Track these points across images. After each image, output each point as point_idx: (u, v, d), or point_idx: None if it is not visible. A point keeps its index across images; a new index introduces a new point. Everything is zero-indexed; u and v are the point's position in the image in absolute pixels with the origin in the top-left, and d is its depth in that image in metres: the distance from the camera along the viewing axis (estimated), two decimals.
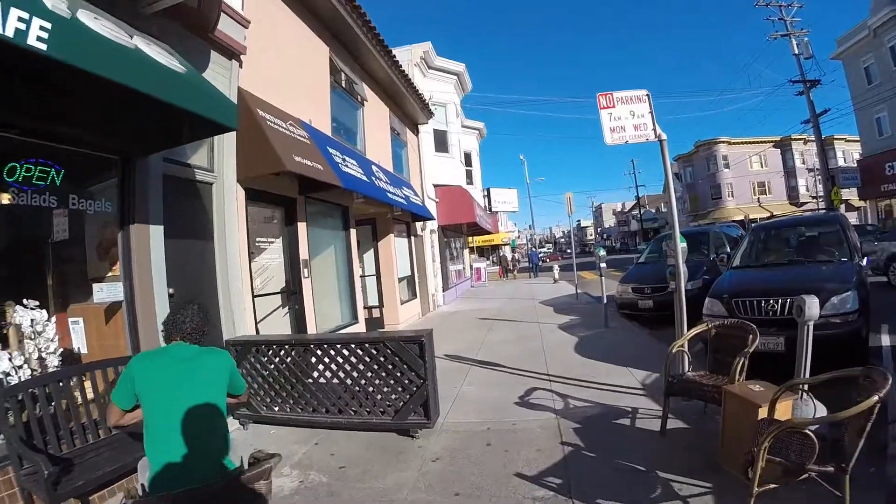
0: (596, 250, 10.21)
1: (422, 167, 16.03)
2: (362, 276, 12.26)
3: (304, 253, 7.87)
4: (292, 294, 7.69)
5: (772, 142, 56.97)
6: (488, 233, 28.28)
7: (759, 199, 56.28)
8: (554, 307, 14.00)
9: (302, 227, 7.93)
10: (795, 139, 54.91)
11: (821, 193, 55.70)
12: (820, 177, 55.76)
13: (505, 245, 62.21)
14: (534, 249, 40.80)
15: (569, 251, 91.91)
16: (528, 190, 33.77)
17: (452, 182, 18.21)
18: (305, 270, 7.86)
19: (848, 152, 54.04)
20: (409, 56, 16.52)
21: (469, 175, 24.73)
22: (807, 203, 55.50)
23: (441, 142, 18.40)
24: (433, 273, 16.50)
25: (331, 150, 8.23)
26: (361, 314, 9.82)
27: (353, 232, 9.90)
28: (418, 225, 15.06)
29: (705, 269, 10.96)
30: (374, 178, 10.02)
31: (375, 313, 12.16)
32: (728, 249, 13.04)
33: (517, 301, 16.69)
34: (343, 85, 10.34)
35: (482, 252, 54.79)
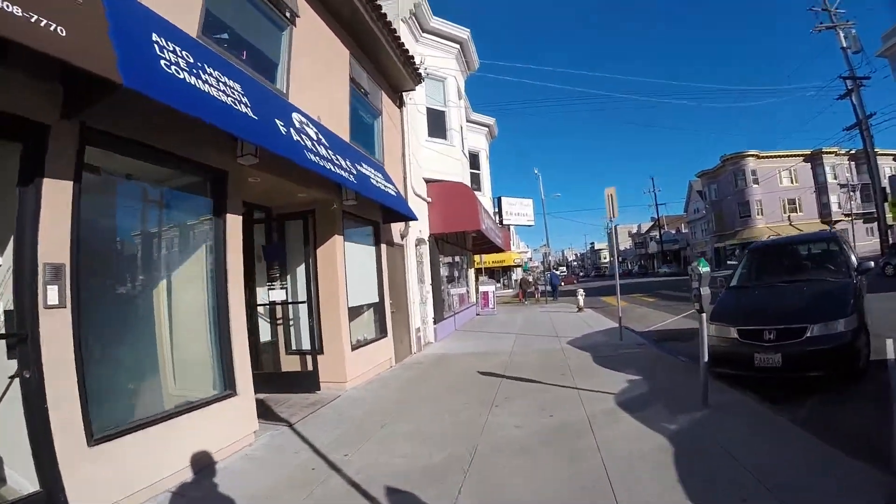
0: (695, 265, 5.53)
1: (406, 151, 11.54)
2: (271, 305, 7.76)
3: (51, 250, 3.35)
4: (18, 343, 3.18)
5: (802, 155, 53.12)
6: (499, 250, 23.66)
7: (789, 216, 52.18)
8: (592, 353, 9.30)
9: (58, 189, 3.44)
10: (826, 153, 51.11)
11: (857, 210, 51.40)
12: (853, 193, 51.78)
13: (517, 266, 57.65)
14: (554, 270, 35.99)
15: (582, 273, 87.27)
16: (543, 206, 29.16)
17: (451, 177, 13.69)
18: (54, 290, 3.33)
19: (881, 167, 49.59)
20: (394, 10, 12.18)
21: (476, 179, 20.40)
22: (839, 221, 51.12)
23: (437, 125, 13.95)
24: (420, 299, 11.90)
25: (159, 40, 3.80)
26: (246, 377, 5.20)
27: (233, 221, 5.34)
28: (395, 229, 10.50)
29: (853, 298, 6.46)
30: (290, 129, 5.57)
31: (308, 362, 7.56)
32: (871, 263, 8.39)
33: (535, 339, 11.99)
34: None
35: (492, 274, 50.15)
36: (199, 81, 4.06)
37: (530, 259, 70.59)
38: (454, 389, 7.19)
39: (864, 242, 48.89)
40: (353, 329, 8.28)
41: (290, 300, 7.76)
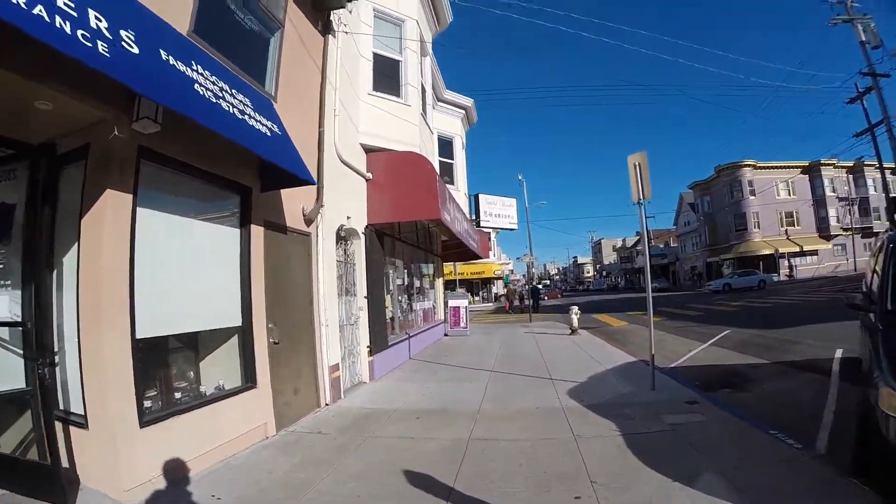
0: None
1: (330, 96, 7.61)
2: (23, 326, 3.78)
3: None
4: None
5: (800, 167, 50.39)
6: (476, 257, 19.63)
7: (786, 230, 49.17)
8: (619, 425, 5.32)
9: None
10: (825, 164, 48.58)
11: (857, 225, 48.64)
12: (852, 206, 49.04)
13: (497, 279, 53.70)
14: (536, 284, 32.70)
15: (564, 287, 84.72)
16: (527, 214, 25.40)
17: (403, 146, 9.72)
18: None
19: (879, 181, 47.11)
20: None
21: (449, 170, 16.55)
22: (838, 235, 48.32)
23: (388, 77, 10.02)
24: (345, 318, 7.89)
25: None
26: None
27: None
28: (292, 205, 6.47)
29: None
30: None
31: (70, 440, 3.52)
32: None
33: (518, 384, 7.97)
34: None
35: (469, 286, 46.22)
36: None
37: (512, 271, 67.02)
38: None
39: (863, 258, 46.21)
40: (163, 376, 4.32)
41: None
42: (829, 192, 49.52)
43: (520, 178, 26.43)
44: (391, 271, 10.95)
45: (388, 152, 9.34)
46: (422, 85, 11.43)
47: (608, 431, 5.08)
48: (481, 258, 21.53)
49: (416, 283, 13.79)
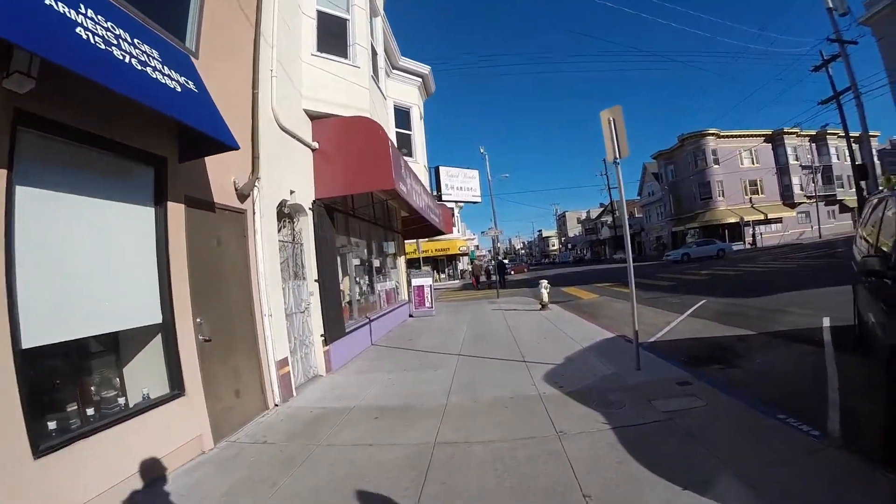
0: None
1: (261, 55, 6.63)
2: None
3: None
4: None
5: (763, 135, 50.71)
6: (439, 232, 18.79)
7: (751, 199, 49.57)
8: (605, 415, 4.70)
9: None
10: (788, 133, 48.88)
11: (821, 192, 49.68)
12: (815, 174, 50.04)
13: (463, 255, 53.04)
14: (503, 259, 32.24)
15: (529, 261, 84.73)
16: (490, 188, 24.72)
17: (353, 112, 8.79)
18: None
19: (841, 149, 48.09)
20: None
21: (406, 142, 15.59)
22: (802, 203, 49.12)
23: (334, 36, 9.04)
24: (294, 306, 7.06)
25: None
26: None
27: None
28: (220, 177, 5.54)
29: None
30: None
31: None
32: None
33: (489, 368, 7.29)
34: None
35: (435, 264, 45.51)
36: None
37: (477, 247, 66.51)
38: None
39: (827, 225, 47.27)
40: (69, 390, 3.51)
41: None
42: (792, 161, 49.87)
43: (482, 150, 25.65)
44: (347, 251, 10.11)
45: (335, 118, 8.43)
46: (372, 47, 10.45)
47: (595, 425, 4.43)
48: (445, 234, 20.75)
49: (376, 263, 12.95)
